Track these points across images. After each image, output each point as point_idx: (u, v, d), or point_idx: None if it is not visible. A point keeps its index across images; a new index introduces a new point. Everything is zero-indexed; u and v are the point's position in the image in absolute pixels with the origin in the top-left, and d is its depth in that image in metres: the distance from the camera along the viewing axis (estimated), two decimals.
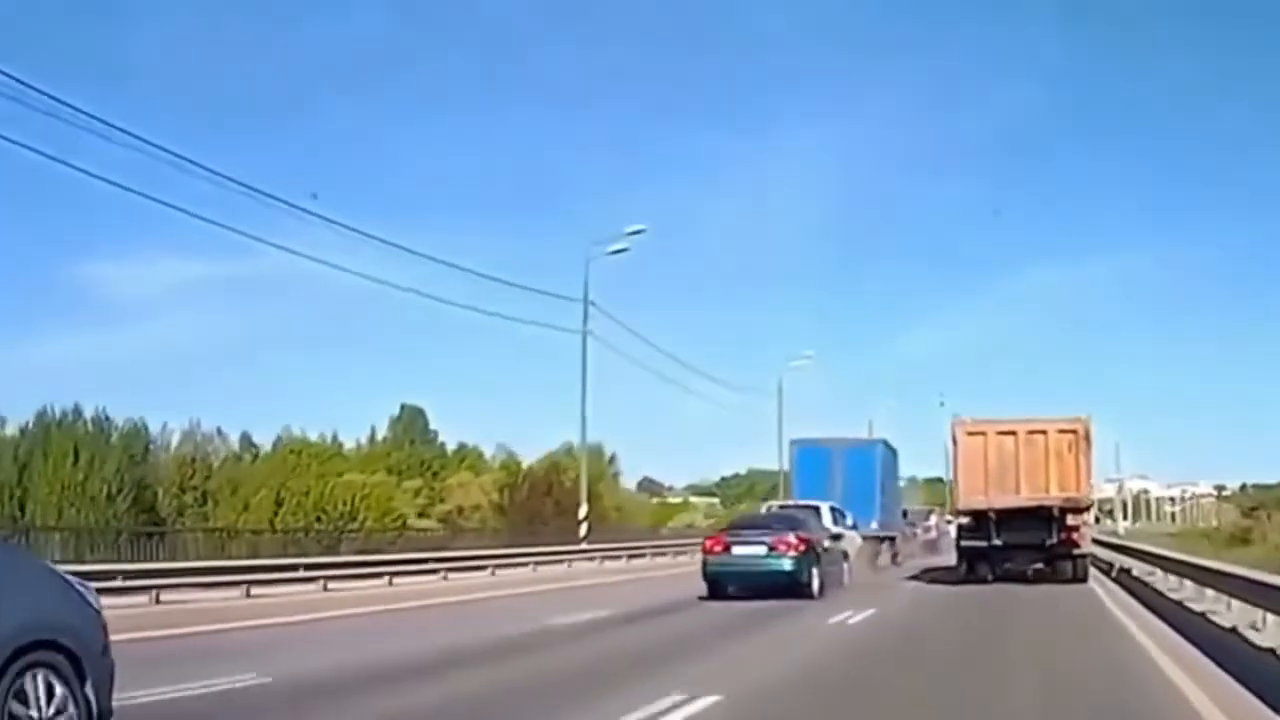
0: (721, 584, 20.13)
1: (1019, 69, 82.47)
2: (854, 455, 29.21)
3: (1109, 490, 77.06)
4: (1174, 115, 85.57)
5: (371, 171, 73.57)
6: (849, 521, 25.81)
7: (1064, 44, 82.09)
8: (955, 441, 23.60)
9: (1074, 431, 23.34)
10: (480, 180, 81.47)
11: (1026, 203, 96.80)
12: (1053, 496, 23.13)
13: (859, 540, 25.62)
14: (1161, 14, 78.32)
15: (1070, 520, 24.13)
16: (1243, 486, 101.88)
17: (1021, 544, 23.62)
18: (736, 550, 20.21)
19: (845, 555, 23.15)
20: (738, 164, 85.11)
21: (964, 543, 24.38)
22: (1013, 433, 23.47)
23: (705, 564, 20.40)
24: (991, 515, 23.43)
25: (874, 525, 28.15)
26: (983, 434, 23.54)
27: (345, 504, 51.41)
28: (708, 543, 21.08)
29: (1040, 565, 24.10)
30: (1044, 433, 23.39)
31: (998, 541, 23.68)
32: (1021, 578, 23.56)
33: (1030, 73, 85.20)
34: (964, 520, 25.58)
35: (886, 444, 31.12)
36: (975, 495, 23.43)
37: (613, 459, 70.59)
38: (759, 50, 78.98)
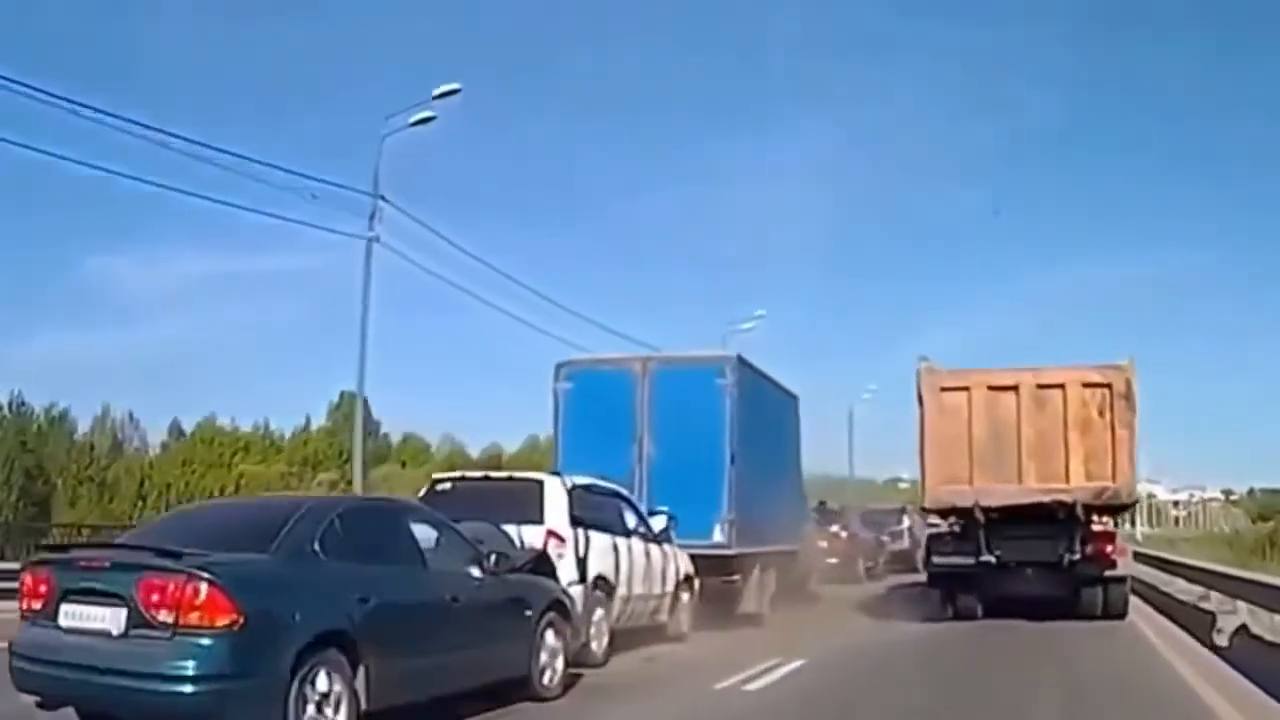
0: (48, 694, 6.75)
1: (1027, 71, 75.85)
2: (677, 384, 14.20)
3: None
4: (1178, 116, 78.83)
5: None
6: (662, 525, 12.86)
7: (1073, 47, 75.81)
8: (922, 401, 15.17)
9: (1107, 386, 14.96)
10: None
11: (1030, 204, 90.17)
12: (1076, 488, 14.76)
13: (684, 564, 13.08)
14: (1168, 15, 71.93)
15: (1098, 524, 15.79)
16: (1250, 491, 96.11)
17: (1027, 561, 15.32)
18: (69, 615, 6.57)
19: (554, 614, 9.16)
20: (742, 164, 78.88)
21: (938, 560, 15.89)
22: (1013, 388, 15.07)
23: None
24: (980, 517, 15.03)
25: (718, 532, 13.78)
26: (965, 390, 15.12)
27: (211, 497, 43.66)
28: (26, 586, 6.90)
29: (1054, 592, 15.73)
30: (1061, 388, 15.00)
31: (989, 558, 15.27)
32: (1024, 613, 15.28)
33: (1038, 75, 78.84)
34: (938, 525, 17.21)
35: (747, 364, 15.01)
36: (954, 486, 15.01)
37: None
38: (765, 52, 73.12)
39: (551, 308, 34.86)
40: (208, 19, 61.82)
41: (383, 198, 24.92)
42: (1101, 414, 14.89)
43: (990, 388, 15.03)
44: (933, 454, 14.97)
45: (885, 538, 29.17)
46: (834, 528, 25.00)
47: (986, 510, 14.96)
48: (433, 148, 42.39)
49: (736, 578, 14.27)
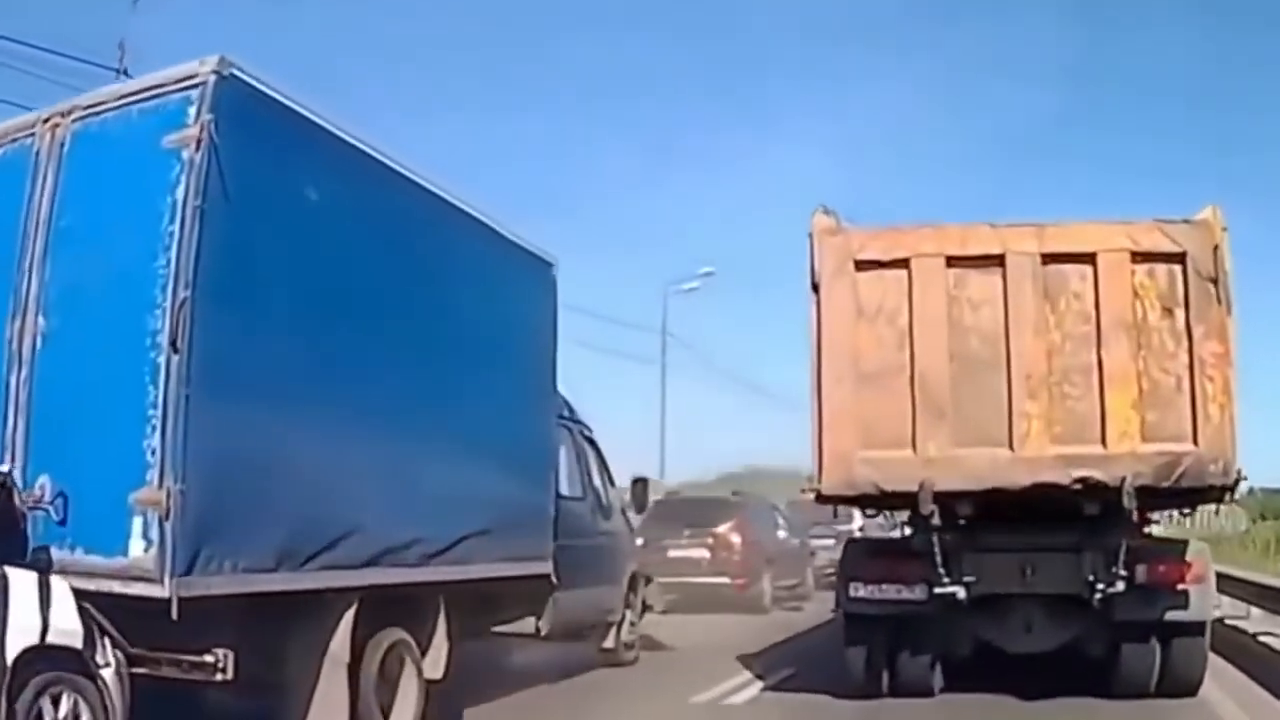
0: None
1: (1025, 67, 70.20)
2: (97, 167, 5.46)
3: None
4: (1179, 115, 73.09)
5: None
6: None
7: (1072, 41, 70.13)
8: (819, 290, 7.79)
9: (1178, 258, 7.69)
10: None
11: (1030, 199, 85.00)
12: (1122, 455, 7.49)
13: (36, 620, 4.66)
14: (1170, 12, 65.75)
15: (1154, 527, 8.62)
16: (1250, 490, 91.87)
17: (1025, 594, 8.31)
18: None
19: None
20: (739, 155, 72.72)
21: (858, 592, 8.49)
22: (996, 261, 7.71)
23: None
24: (933, 514, 7.71)
25: (138, 538, 4.88)
26: (903, 265, 7.73)
27: None
28: None
29: (1073, 644, 8.59)
30: (1090, 261, 7.69)
31: (954, 588, 8.02)
32: (1015, 682, 8.42)
33: (1037, 70, 73.39)
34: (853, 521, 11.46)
35: (269, 101, 5.69)
36: (879, 452, 7.63)
37: None
38: (763, 42, 66.74)
39: None
40: None
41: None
42: (1169, 312, 7.67)
43: (953, 261, 7.71)
44: (837, 392, 7.65)
45: (828, 541, 21.50)
46: (721, 527, 17.43)
47: (947, 500, 7.75)
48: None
49: (212, 659, 5.38)
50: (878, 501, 8.19)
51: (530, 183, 69.09)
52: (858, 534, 19.80)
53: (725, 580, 16.82)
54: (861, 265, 7.75)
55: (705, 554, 16.90)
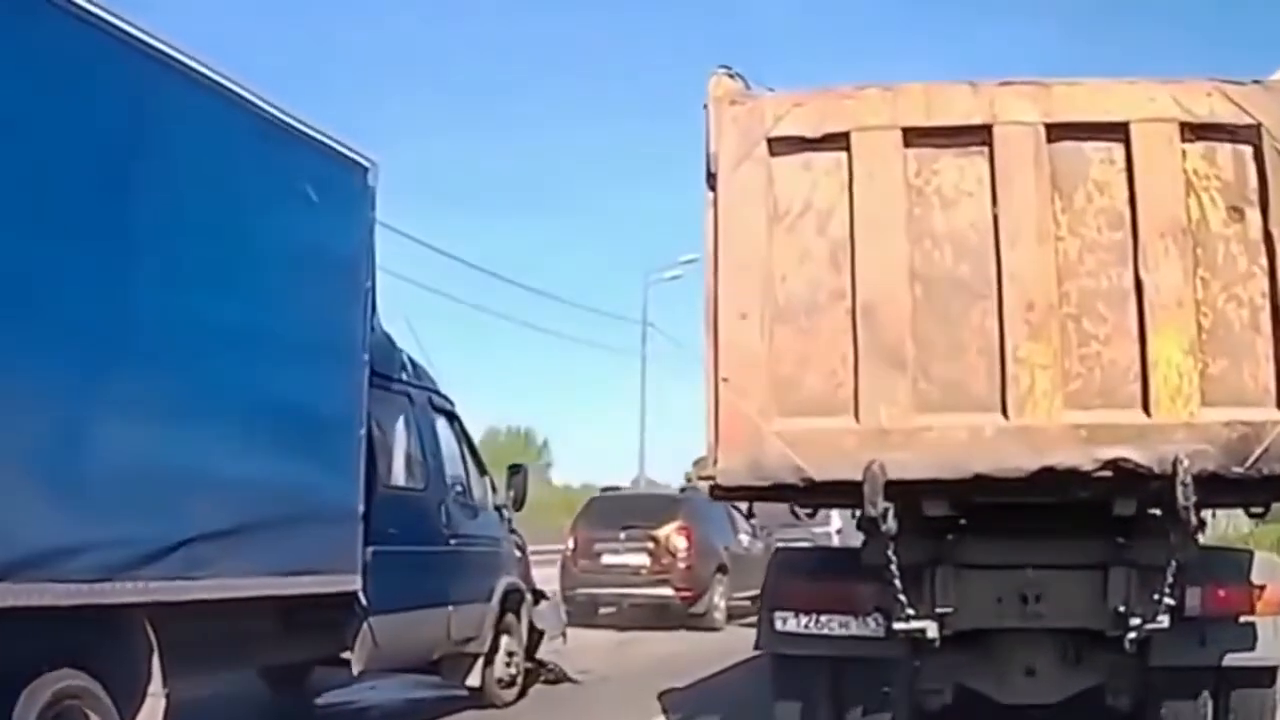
0: None
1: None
2: None
3: None
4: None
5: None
6: None
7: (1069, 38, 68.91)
8: (716, 185, 5.26)
9: (1250, 134, 5.14)
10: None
11: None
12: (1172, 426, 4.91)
13: None
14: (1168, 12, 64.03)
15: (1204, 534, 6.09)
16: None
17: (1025, 629, 5.73)
18: None
19: None
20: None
21: (785, 626, 6.01)
22: (980, 135, 5.18)
23: None
24: (887, 517, 5.17)
25: None
26: (840, 144, 5.20)
27: None
28: None
29: (1088, 694, 6.11)
30: (1122, 133, 5.16)
31: (923, 623, 5.52)
32: None
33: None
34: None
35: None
36: (804, 419, 5.13)
37: (544, 446, 53.19)
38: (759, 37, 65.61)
39: None
40: None
41: None
42: (1238, 212, 5.15)
43: (914, 136, 5.16)
44: (741, 331, 5.12)
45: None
46: (663, 529, 14.94)
47: (909, 494, 5.21)
48: None
49: None
50: (804, 495, 5.66)
51: (525, 175, 67.36)
52: (835, 537, 17.25)
53: (668, 591, 14.44)
54: (779, 146, 5.20)
55: (645, 560, 14.58)
